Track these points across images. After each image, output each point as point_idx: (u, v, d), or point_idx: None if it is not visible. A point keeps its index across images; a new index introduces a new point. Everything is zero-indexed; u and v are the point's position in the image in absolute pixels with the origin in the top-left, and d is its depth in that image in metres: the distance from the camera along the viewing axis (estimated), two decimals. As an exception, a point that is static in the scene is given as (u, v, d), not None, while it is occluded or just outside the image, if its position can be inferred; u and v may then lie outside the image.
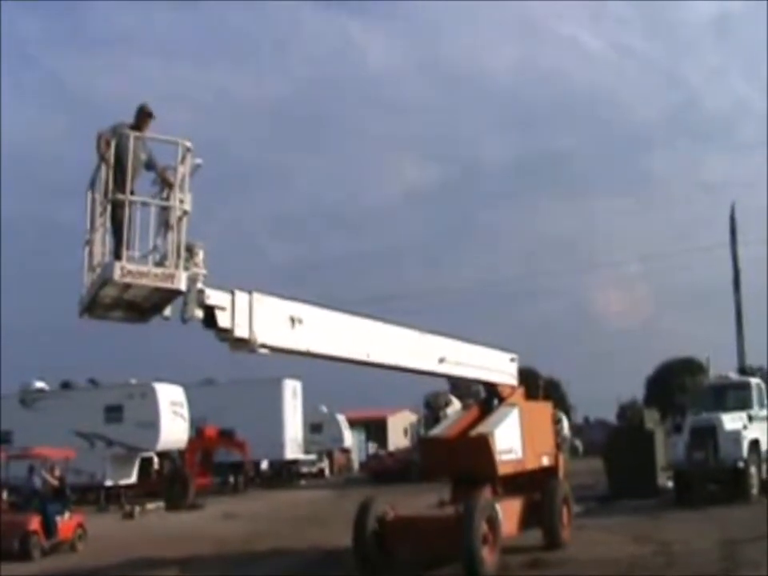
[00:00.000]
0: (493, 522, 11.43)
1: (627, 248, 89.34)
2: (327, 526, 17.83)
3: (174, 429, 27.09)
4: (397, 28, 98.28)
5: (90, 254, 8.37)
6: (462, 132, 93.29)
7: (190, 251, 8.05)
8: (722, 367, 28.84)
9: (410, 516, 12.66)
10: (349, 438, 46.51)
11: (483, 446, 12.17)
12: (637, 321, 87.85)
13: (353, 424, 48.80)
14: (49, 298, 48.64)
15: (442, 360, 11.58)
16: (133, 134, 8.18)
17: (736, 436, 18.41)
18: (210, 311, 8.20)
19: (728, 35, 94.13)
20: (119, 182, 7.98)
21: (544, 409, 15.45)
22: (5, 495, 18.75)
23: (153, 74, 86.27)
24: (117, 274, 7.64)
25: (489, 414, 13.30)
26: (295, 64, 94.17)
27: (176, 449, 28.57)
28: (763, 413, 19.47)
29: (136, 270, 7.77)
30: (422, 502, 14.16)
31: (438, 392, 37.09)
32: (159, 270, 7.90)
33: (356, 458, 49.34)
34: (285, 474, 36.80)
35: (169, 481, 27.27)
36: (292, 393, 35.72)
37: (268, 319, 8.75)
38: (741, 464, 18.01)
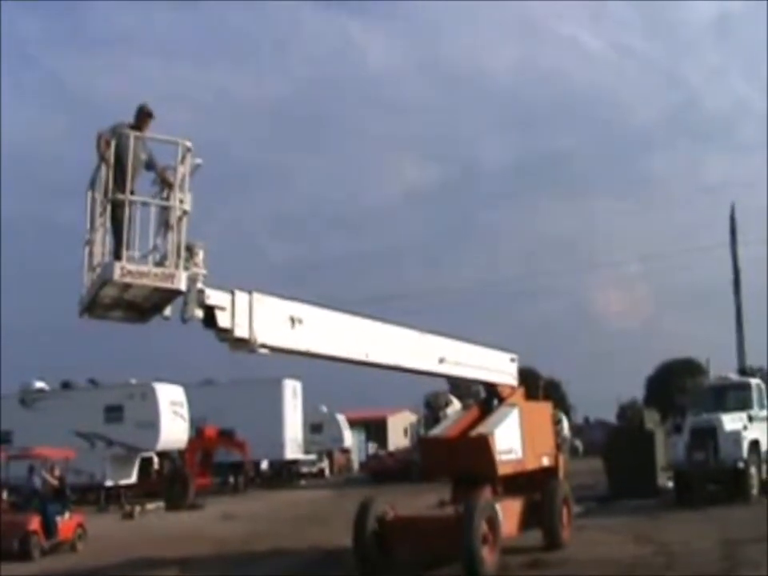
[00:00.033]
0: (493, 523, 11.42)
1: (627, 248, 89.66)
2: (327, 525, 17.83)
3: (174, 429, 27.09)
4: (397, 28, 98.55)
5: (90, 253, 8.36)
6: (461, 132, 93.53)
7: (190, 251, 8.04)
8: (722, 368, 28.98)
9: (410, 516, 12.66)
10: (349, 438, 46.52)
11: (483, 446, 12.16)
12: (637, 321, 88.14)
13: (353, 424, 48.80)
14: (49, 298, 48.70)
15: (441, 360, 11.57)
16: (133, 134, 8.18)
17: (736, 436, 18.40)
18: (210, 311, 8.18)
19: (728, 35, 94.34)
20: (119, 181, 7.97)
21: (544, 409, 15.45)
22: (5, 495, 18.75)
23: (153, 73, 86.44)
24: (117, 274, 7.63)
25: (489, 415, 13.28)
26: (295, 64, 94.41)
27: (176, 449, 28.57)
28: (763, 413, 19.46)
29: (136, 270, 7.76)
30: (422, 502, 14.17)
31: (438, 392, 37.12)
32: (159, 270, 7.89)
33: (356, 458, 49.35)
34: (285, 474, 36.81)
35: (169, 481, 27.27)
36: (292, 393, 35.72)
37: (268, 319, 8.74)
38: (741, 464, 18.00)
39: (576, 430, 49.39)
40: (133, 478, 27.26)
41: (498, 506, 11.85)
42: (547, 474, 13.98)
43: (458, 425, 13.61)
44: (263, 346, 8.70)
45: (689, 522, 15.49)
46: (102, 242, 8.26)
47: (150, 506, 25.20)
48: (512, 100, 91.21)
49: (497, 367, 13.29)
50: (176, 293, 7.97)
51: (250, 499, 28.62)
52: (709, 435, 18.59)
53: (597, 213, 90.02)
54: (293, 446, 35.55)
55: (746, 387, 20.09)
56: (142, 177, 8.52)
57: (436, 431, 14.74)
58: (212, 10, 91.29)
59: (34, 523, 15.98)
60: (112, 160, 8.03)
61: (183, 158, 8.09)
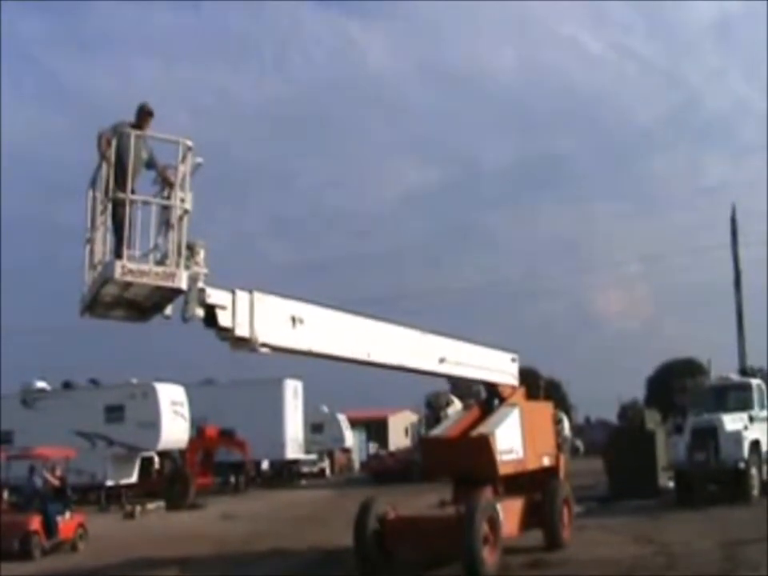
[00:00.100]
0: (494, 523, 11.42)
1: (627, 249, 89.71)
2: (328, 525, 17.83)
3: (174, 429, 27.09)
4: (397, 28, 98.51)
5: (91, 252, 8.34)
6: (462, 134, 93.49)
7: (191, 250, 8.03)
8: (722, 368, 28.93)
9: (410, 516, 12.66)
10: (350, 437, 46.52)
11: (484, 446, 12.16)
12: (638, 321, 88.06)
13: (354, 424, 48.81)
14: (49, 298, 48.74)
15: (442, 360, 11.56)
16: (134, 133, 8.17)
17: (737, 437, 18.40)
18: (210, 310, 8.17)
19: (728, 36, 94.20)
20: (120, 180, 7.96)
21: (545, 409, 15.44)
22: (6, 495, 18.78)
23: (153, 74, 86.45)
24: (117, 273, 7.62)
25: (490, 414, 13.28)
26: (295, 65, 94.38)
27: (177, 449, 28.58)
28: (764, 414, 19.46)
29: (137, 269, 7.75)
30: (423, 501, 14.18)
31: (438, 392, 37.05)
32: (160, 269, 7.88)
33: (357, 458, 49.32)
34: (285, 473, 36.78)
35: (169, 481, 27.28)
36: (293, 393, 35.71)
37: (269, 318, 8.73)
38: (742, 465, 18.00)
39: (577, 429, 49.42)
40: (134, 478, 27.26)
41: (498, 506, 11.85)
42: (548, 474, 13.98)
43: (458, 425, 13.60)
44: (264, 345, 8.69)
45: (689, 523, 15.48)
46: (103, 240, 8.25)
47: (150, 505, 25.20)
48: (512, 101, 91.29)
49: (497, 367, 13.29)
50: (177, 292, 7.96)
51: (250, 499, 28.62)
52: (710, 435, 18.59)
53: (597, 213, 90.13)
54: (293, 446, 35.54)
55: (747, 388, 20.10)
56: (143, 176, 8.51)
57: (437, 431, 14.74)
58: (212, 11, 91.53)
59: (35, 523, 15.99)
60: (113, 159, 8.03)
61: (184, 156, 8.08)
